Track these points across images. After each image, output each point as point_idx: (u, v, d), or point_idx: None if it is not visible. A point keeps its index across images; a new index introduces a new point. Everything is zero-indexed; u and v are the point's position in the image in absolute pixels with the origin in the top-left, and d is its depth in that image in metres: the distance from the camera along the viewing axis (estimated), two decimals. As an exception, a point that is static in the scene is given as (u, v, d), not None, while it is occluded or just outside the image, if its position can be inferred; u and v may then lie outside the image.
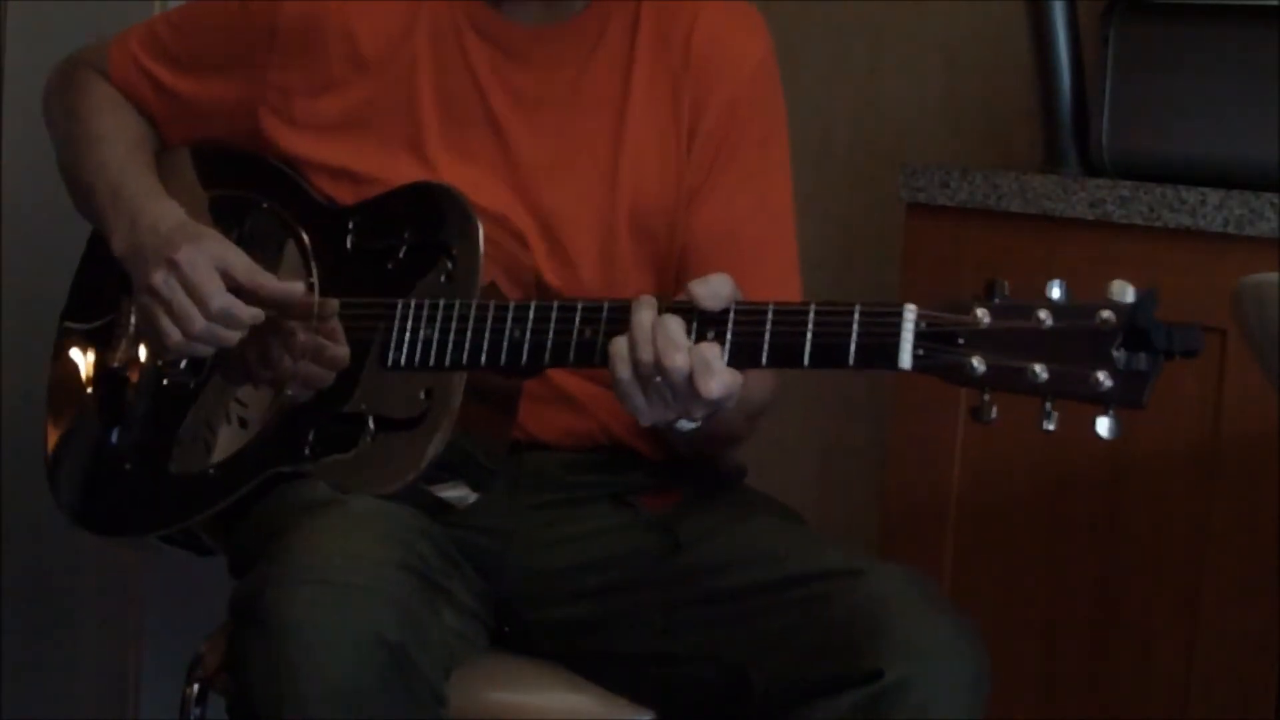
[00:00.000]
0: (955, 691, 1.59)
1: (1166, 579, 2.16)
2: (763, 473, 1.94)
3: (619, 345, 1.58)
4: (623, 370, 1.58)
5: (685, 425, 1.62)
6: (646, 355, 1.56)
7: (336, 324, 1.75)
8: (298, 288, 1.77)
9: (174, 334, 1.77)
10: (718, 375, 1.55)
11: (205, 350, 1.79)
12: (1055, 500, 2.24)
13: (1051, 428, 1.46)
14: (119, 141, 1.92)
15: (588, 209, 1.82)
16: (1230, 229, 2.09)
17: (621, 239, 1.82)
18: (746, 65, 1.86)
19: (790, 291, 1.83)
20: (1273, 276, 1.65)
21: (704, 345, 1.56)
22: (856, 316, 1.53)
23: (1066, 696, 2.23)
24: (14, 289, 2.58)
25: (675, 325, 1.56)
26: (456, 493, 1.77)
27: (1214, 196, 2.10)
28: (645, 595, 1.76)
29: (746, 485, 1.89)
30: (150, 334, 1.81)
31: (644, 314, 1.58)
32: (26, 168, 2.55)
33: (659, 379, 1.56)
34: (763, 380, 1.77)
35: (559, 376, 1.81)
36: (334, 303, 1.76)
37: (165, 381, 1.88)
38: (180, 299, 1.75)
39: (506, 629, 1.82)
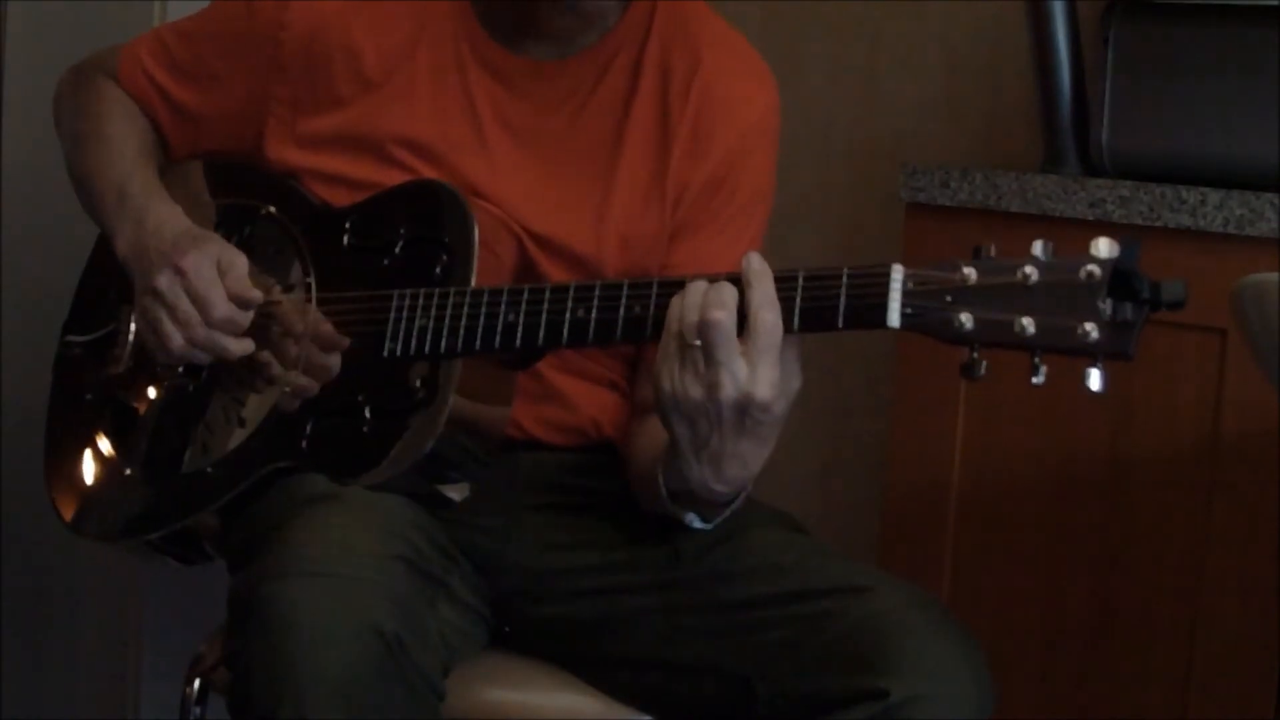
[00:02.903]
0: (961, 712, 1.59)
1: (1166, 579, 2.16)
2: (763, 472, 1.93)
3: (674, 304, 1.59)
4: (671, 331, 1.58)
5: (695, 523, 1.69)
6: (693, 316, 1.57)
7: (328, 333, 1.76)
8: (281, 300, 1.79)
9: (176, 339, 1.77)
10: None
11: (204, 358, 1.80)
12: (1055, 500, 2.24)
13: (1039, 381, 1.47)
14: (127, 145, 1.93)
15: (575, 242, 1.83)
16: (1230, 229, 2.09)
17: (608, 271, 1.83)
18: (743, 122, 1.86)
19: None
20: (1273, 276, 1.64)
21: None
22: (845, 279, 1.54)
23: (1066, 696, 2.23)
24: (14, 289, 2.59)
25: (729, 291, 1.56)
26: (452, 485, 1.77)
27: (1214, 196, 2.10)
28: (647, 601, 1.76)
29: (748, 495, 1.88)
30: (151, 337, 1.81)
31: (698, 282, 1.58)
32: (27, 168, 2.55)
33: (698, 342, 1.56)
34: None
35: (549, 373, 1.82)
36: (326, 321, 1.77)
37: (163, 386, 1.89)
38: (185, 305, 1.76)
39: (507, 628, 1.82)
